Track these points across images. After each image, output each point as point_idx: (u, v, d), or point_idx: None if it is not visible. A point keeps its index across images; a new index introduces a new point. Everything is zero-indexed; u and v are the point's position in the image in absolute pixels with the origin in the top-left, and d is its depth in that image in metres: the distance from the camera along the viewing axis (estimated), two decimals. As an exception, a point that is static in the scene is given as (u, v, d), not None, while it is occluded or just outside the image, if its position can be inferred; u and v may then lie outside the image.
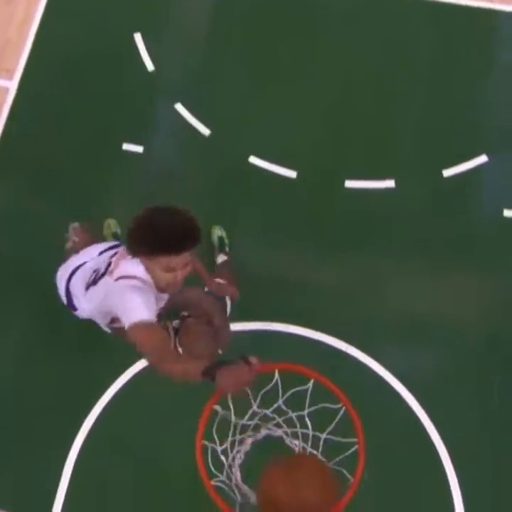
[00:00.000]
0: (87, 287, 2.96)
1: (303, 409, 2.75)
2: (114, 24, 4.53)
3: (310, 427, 2.71)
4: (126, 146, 4.26)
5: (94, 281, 2.91)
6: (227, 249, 4.03)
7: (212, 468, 2.73)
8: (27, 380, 3.85)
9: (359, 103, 4.37)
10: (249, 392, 2.62)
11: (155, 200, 4.00)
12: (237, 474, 2.57)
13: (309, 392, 2.65)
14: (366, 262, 4.05)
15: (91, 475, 3.69)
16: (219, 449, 2.67)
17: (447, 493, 3.64)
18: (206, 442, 2.70)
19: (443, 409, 3.74)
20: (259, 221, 4.14)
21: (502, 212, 4.13)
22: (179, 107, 4.34)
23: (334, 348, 3.85)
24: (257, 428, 2.69)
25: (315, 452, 2.52)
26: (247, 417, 2.70)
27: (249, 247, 4.07)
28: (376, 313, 3.94)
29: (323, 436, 2.66)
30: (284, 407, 2.74)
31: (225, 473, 2.67)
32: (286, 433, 2.72)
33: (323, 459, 2.47)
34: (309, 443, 2.66)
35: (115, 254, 2.93)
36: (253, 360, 2.33)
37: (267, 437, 2.78)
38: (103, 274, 2.86)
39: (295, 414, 2.71)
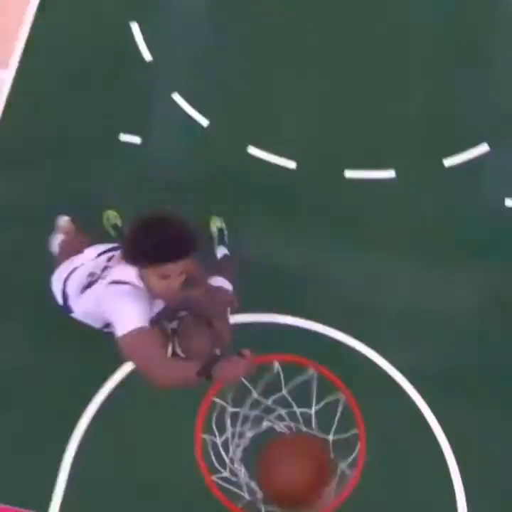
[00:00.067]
0: (83, 290, 2.91)
1: (305, 402, 2.74)
2: (111, 14, 4.47)
3: (314, 425, 2.70)
4: (124, 137, 4.22)
5: (89, 285, 2.87)
6: (226, 240, 4.00)
7: (216, 464, 2.73)
8: (23, 377, 3.83)
9: (359, 92, 4.32)
10: (249, 385, 2.61)
11: (153, 191, 4.12)
12: (242, 470, 2.53)
13: (315, 387, 2.63)
14: (367, 254, 4.01)
15: (89, 470, 3.68)
16: (219, 441, 2.64)
17: (449, 485, 3.63)
18: (206, 436, 2.69)
19: (445, 402, 3.72)
20: (258, 212, 4.10)
21: (504, 201, 4.10)
22: (177, 98, 4.29)
23: (336, 341, 3.83)
24: (257, 421, 2.65)
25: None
26: (247, 408, 2.70)
27: (248, 239, 4.04)
28: (378, 305, 3.91)
29: (330, 438, 2.64)
30: (289, 398, 2.72)
31: (228, 469, 2.65)
32: (289, 427, 2.69)
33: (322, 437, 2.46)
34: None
35: (112, 257, 2.90)
36: (246, 352, 2.41)
37: (269, 431, 2.77)
38: (99, 278, 2.83)
39: (300, 409, 2.68)
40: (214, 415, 2.75)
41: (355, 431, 2.64)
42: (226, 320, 3.19)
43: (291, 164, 4.18)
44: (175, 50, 4.41)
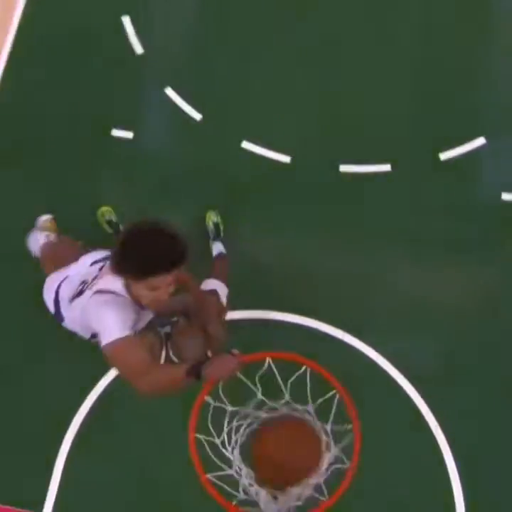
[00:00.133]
0: (72, 299, 2.88)
1: (299, 400, 2.73)
2: (102, 6, 4.41)
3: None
4: (116, 132, 4.17)
5: (79, 293, 2.84)
6: (222, 235, 3.97)
7: (217, 461, 2.75)
8: (16, 376, 3.81)
9: (354, 86, 4.28)
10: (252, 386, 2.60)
11: (146, 186, 4.08)
12: (244, 469, 2.52)
13: (309, 387, 2.67)
14: (363, 249, 3.99)
15: (83, 470, 3.66)
16: (218, 441, 2.64)
17: (446, 480, 3.61)
18: (203, 436, 2.69)
19: (442, 397, 3.70)
20: (252, 207, 4.07)
21: (500, 195, 4.07)
22: (169, 92, 4.25)
23: (331, 336, 3.81)
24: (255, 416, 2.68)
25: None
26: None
27: (243, 234, 4.01)
28: (373, 301, 3.89)
29: (328, 426, 2.66)
30: (287, 395, 2.73)
31: (234, 467, 2.65)
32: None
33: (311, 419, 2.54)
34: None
35: (104, 266, 2.87)
36: (235, 351, 2.46)
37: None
38: (88, 287, 2.80)
39: (302, 406, 2.69)
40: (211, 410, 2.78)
41: (350, 426, 2.65)
42: (220, 323, 3.16)
43: (286, 159, 4.14)
44: (167, 43, 4.36)
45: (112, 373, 3.74)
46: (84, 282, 2.86)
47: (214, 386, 2.67)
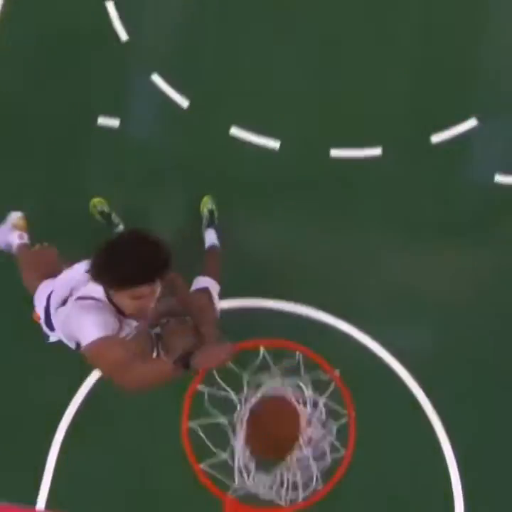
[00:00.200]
0: (58, 307, 2.84)
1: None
2: (86, -7, 4.34)
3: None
4: (102, 120, 4.12)
5: (63, 302, 2.80)
6: (216, 222, 3.93)
7: (211, 447, 2.79)
8: (6, 370, 3.79)
9: (343, 69, 4.22)
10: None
11: (133, 175, 4.02)
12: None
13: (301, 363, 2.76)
14: (356, 235, 3.97)
15: (76, 463, 3.67)
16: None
17: (444, 469, 3.62)
18: (197, 422, 2.70)
19: (437, 383, 3.69)
20: (242, 194, 4.02)
21: (493, 177, 4.04)
22: (156, 78, 4.19)
23: (325, 323, 3.79)
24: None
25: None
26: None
27: (233, 222, 3.97)
28: (366, 286, 3.87)
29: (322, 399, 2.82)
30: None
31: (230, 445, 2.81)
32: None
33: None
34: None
35: None
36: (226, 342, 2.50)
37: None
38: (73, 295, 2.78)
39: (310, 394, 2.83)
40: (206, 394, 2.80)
41: (345, 412, 2.65)
42: (212, 323, 3.12)
43: (275, 144, 4.10)
44: (152, 28, 4.27)
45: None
46: (72, 290, 2.82)
47: (205, 374, 2.67)
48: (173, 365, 2.37)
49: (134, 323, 2.75)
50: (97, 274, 2.50)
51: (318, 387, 2.88)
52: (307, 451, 2.61)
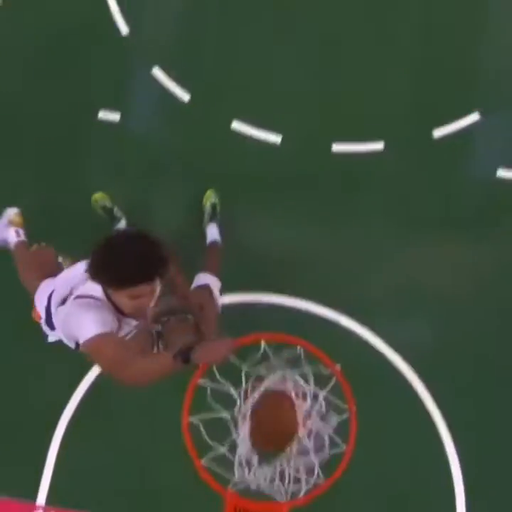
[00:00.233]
0: (58, 306, 2.83)
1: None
2: (86, -14, 4.32)
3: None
4: (103, 115, 4.09)
5: (63, 301, 2.79)
6: (218, 216, 3.91)
7: (209, 441, 2.82)
8: (6, 365, 3.78)
9: (345, 62, 4.20)
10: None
11: (134, 170, 4.00)
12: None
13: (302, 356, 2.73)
14: (358, 229, 3.95)
15: (76, 458, 3.66)
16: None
17: (445, 464, 3.61)
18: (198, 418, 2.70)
19: (438, 377, 3.68)
20: (243, 188, 4.00)
21: (495, 172, 4.01)
22: (156, 72, 4.16)
23: (326, 318, 3.78)
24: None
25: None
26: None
27: (234, 216, 3.95)
28: (367, 281, 3.85)
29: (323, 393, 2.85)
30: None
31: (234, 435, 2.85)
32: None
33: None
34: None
35: None
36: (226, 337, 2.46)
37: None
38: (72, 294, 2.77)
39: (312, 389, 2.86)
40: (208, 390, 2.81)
41: (345, 407, 2.65)
42: (213, 321, 3.11)
43: (277, 139, 4.07)
44: (153, 22, 4.25)
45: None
46: (72, 289, 2.81)
47: (206, 369, 2.66)
48: (173, 359, 2.34)
49: (134, 322, 2.74)
50: (94, 273, 2.48)
51: (319, 381, 2.87)
52: (306, 443, 2.64)
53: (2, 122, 4.11)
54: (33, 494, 3.65)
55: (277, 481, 2.76)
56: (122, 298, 2.49)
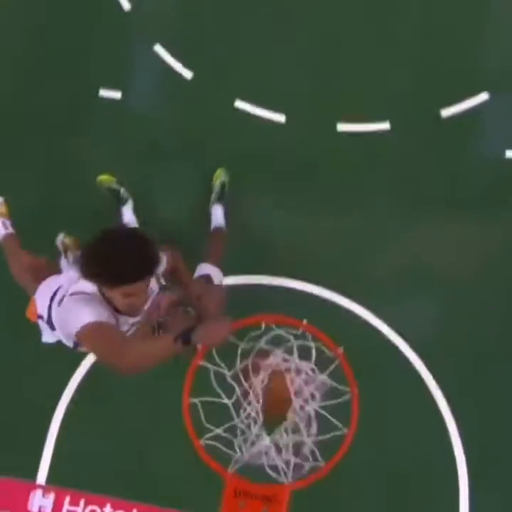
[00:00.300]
0: (59, 303, 2.79)
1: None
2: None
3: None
4: (103, 92, 4.04)
5: (60, 301, 2.76)
6: (224, 197, 3.85)
7: (205, 423, 2.76)
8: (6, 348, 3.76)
9: (351, 40, 4.12)
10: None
11: (135, 149, 3.95)
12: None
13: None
14: (362, 211, 3.89)
15: (76, 440, 3.65)
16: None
17: (448, 447, 3.58)
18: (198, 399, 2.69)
19: (442, 360, 3.65)
20: (246, 169, 3.95)
21: (504, 153, 3.95)
22: (159, 49, 4.10)
23: (329, 300, 3.74)
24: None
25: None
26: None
27: (238, 197, 3.89)
28: (373, 262, 3.80)
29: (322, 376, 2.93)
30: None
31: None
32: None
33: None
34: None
35: None
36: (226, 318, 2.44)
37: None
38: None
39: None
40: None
41: (347, 390, 2.62)
42: (217, 314, 3.07)
43: (281, 118, 4.02)
44: (155, -3, 4.20)
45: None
46: (68, 287, 2.77)
47: (206, 351, 2.64)
48: (173, 341, 2.31)
49: (130, 320, 2.72)
50: (87, 273, 2.47)
51: (322, 365, 2.85)
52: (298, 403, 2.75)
53: (2, 98, 4.06)
54: (33, 475, 3.65)
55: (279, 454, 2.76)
56: (116, 295, 2.49)
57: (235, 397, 2.90)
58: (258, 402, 2.86)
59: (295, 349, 2.90)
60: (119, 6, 4.14)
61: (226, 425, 2.85)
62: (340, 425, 2.76)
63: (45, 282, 2.99)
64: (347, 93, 4.04)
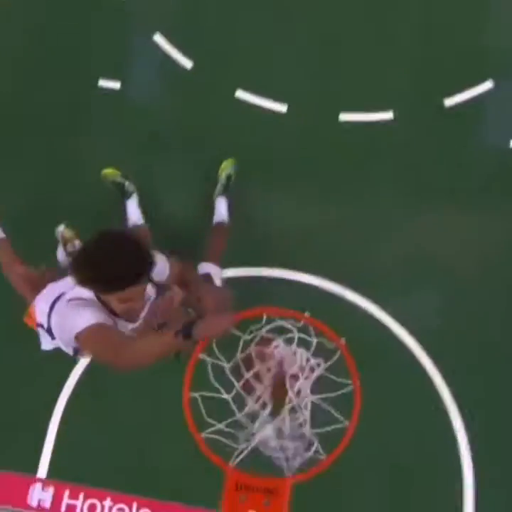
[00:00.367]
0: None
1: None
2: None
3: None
4: (103, 83, 4.01)
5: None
6: (229, 189, 3.82)
7: (205, 416, 2.83)
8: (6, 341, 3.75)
9: (353, 27, 4.09)
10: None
11: (135, 140, 3.92)
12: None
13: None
14: (365, 201, 3.87)
15: (76, 434, 3.64)
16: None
17: (452, 439, 3.56)
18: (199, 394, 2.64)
19: (445, 352, 3.63)
20: (247, 160, 3.91)
21: (508, 143, 3.92)
22: (158, 38, 4.08)
23: (332, 292, 3.72)
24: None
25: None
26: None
27: (238, 188, 3.86)
28: (376, 253, 3.78)
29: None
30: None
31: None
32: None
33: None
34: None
35: None
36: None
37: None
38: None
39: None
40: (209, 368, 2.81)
41: (349, 382, 2.60)
42: (211, 312, 3.04)
43: (282, 108, 3.99)
44: (154, -15, 4.17)
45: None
46: (65, 293, 2.74)
47: (207, 344, 2.62)
48: (174, 335, 2.28)
49: (130, 326, 2.71)
50: (80, 281, 2.42)
51: (323, 355, 2.83)
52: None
53: (2, 98, 4.04)
54: (34, 469, 3.64)
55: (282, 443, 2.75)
56: (113, 300, 2.48)
57: (234, 392, 2.88)
58: (267, 387, 2.85)
59: (296, 339, 2.87)
60: (118, -5, 4.12)
61: (228, 420, 2.83)
62: (341, 418, 2.74)
63: (44, 290, 2.94)
64: (349, 82, 4.01)
